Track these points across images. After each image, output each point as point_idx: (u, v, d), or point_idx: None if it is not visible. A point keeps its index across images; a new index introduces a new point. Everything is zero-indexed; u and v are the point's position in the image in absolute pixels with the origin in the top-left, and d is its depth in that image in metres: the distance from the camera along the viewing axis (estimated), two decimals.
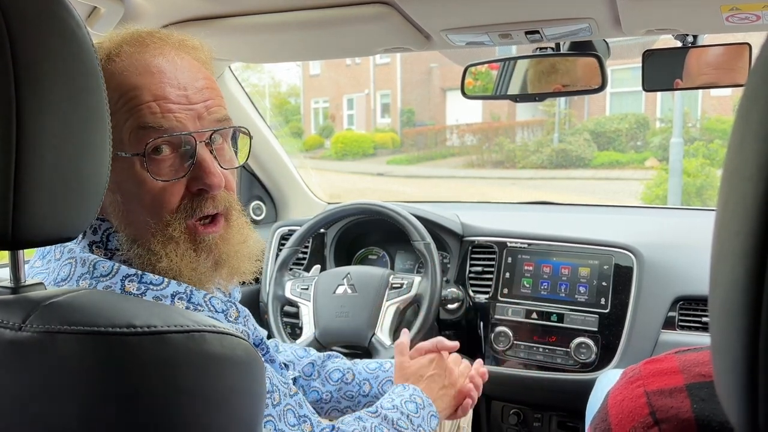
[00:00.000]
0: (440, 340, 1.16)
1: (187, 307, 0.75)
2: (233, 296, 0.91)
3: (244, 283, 0.90)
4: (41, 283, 0.56)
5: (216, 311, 0.78)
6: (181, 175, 0.77)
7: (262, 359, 0.58)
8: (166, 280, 0.76)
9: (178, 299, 0.75)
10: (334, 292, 1.59)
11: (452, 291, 1.63)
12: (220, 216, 0.82)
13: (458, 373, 1.14)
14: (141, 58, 0.77)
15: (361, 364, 1.20)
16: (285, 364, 1.12)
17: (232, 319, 0.79)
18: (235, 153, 0.86)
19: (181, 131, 0.76)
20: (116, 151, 0.73)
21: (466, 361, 1.19)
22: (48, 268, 0.78)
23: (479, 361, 1.22)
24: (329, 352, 1.23)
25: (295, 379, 1.15)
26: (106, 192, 0.71)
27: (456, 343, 1.16)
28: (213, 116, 0.79)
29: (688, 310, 1.49)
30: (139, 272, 0.74)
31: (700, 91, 12.58)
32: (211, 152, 0.79)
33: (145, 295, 0.73)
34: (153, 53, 0.78)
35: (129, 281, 0.74)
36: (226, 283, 0.87)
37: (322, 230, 1.77)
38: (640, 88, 1.37)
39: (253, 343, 0.79)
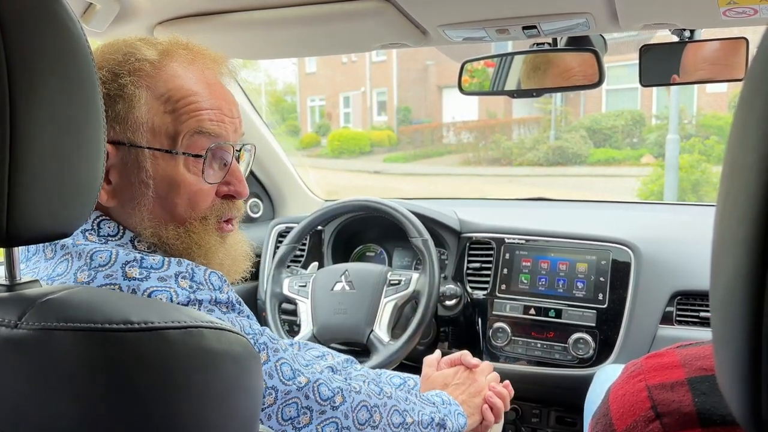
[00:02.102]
0: (465, 353, 1.22)
1: (191, 286, 0.76)
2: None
3: (242, 280, 0.94)
4: (37, 281, 0.56)
5: (214, 289, 0.80)
6: (219, 179, 0.85)
7: (259, 355, 0.58)
8: (165, 262, 0.77)
9: (182, 278, 0.76)
10: (332, 289, 1.59)
11: (450, 287, 1.63)
12: (234, 218, 0.90)
13: (485, 381, 1.17)
14: (194, 67, 0.83)
15: (385, 377, 1.19)
16: None
17: (225, 293, 0.81)
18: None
19: (227, 141, 0.84)
20: (168, 148, 0.79)
21: (495, 373, 1.22)
22: (36, 268, 0.78)
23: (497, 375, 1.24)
24: (348, 357, 1.22)
25: None
26: (133, 184, 0.79)
27: (478, 361, 1.21)
28: (241, 131, 0.88)
29: (686, 305, 1.49)
30: (138, 257, 0.75)
31: (696, 87, 12.62)
32: (238, 162, 0.88)
33: (149, 279, 0.74)
34: (206, 65, 0.85)
35: (130, 267, 0.74)
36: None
37: (319, 227, 1.77)
38: (636, 85, 1.37)
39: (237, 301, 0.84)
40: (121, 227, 0.80)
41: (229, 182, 0.86)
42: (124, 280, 0.73)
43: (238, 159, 0.89)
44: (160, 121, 0.79)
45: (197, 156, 0.80)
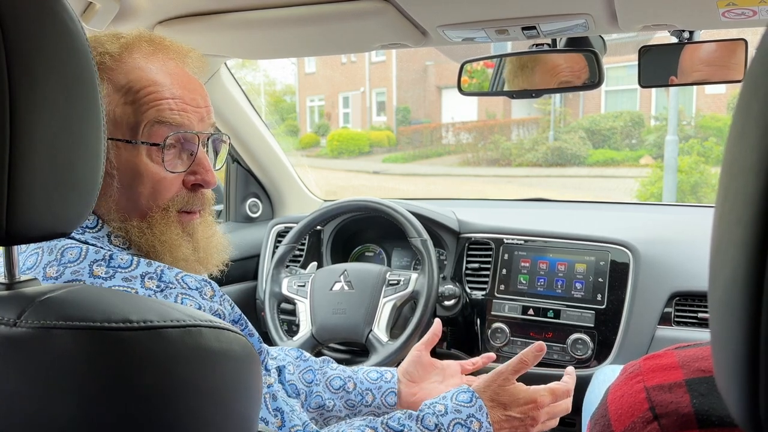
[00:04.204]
0: (570, 371, 1.09)
1: (158, 286, 0.76)
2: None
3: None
4: (36, 279, 0.56)
5: (189, 288, 0.79)
6: (183, 168, 0.84)
7: (257, 353, 0.58)
8: (134, 261, 0.77)
9: (148, 279, 0.76)
10: (331, 289, 1.59)
11: (449, 287, 1.63)
12: (198, 210, 0.88)
13: (541, 426, 1.00)
14: (157, 58, 0.84)
15: (362, 373, 1.16)
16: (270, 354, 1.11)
17: (207, 297, 0.80)
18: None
19: (190, 130, 0.83)
20: (129, 138, 0.80)
21: (566, 405, 1.04)
22: None
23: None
24: (324, 357, 1.20)
25: (279, 370, 1.14)
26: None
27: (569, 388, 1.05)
28: (209, 120, 0.87)
29: (684, 305, 1.49)
30: (107, 255, 0.76)
31: (695, 88, 12.64)
32: (206, 152, 0.86)
33: (114, 278, 0.75)
34: (167, 56, 0.85)
35: (97, 265, 0.75)
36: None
37: (318, 227, 1.77)
38: (635, 86, 1.37)
39: (232, 321, 0.83)
40: (100, 220, 0.81)
41: (195, 171, 0.85)
42: (89, 277, 0.74)
43: (214, 149, 0.89)
44: (121, 111, 0.80)
45: (156, 145, 0.80)
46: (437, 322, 1.23)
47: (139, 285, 0.75)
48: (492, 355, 1.22)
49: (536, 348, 1.04)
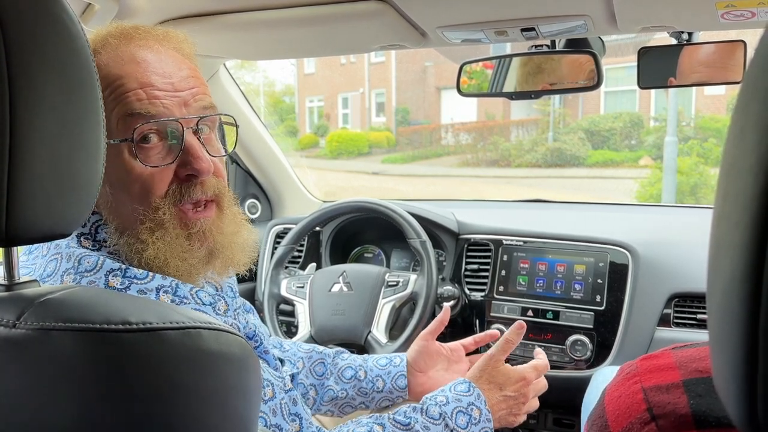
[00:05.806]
0: (540, 352, 1.17)
1: (173, 300, 0.75)
2: (225, 290, 0.90)
3: (240, 280, 0.90)
4: (35, 281, 0.56)
5: (203, 304, 0.78)
6: (169, 161, 0.78)
7: (257, 356, 0.58)
8: (150, 274, 0.76)
9: (163, 293, 0.75)
10: (330, 290, 1.59)
11: (448, 289, 1.63)
12: (212, 203, 0.82)
13: (531, 404, 1.07)
14: (126, 49, 0.78)
15: (371, 360, 1.20)
16: (281, 360, 1.11)
17: (221, 312, 0.79)
18: (223, 142, 0.87)
19: (168, 117, 0.77)
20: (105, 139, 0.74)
21: (543, 382, 1.12)
22: (34, 264, 0.78)
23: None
24: (336, 348, 1.22)
25: (292, 376, 1.14)
26: None
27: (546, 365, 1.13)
28: (199, 104, 0.80)
29: (683, 307, 1.49)
30: (124, 267, 0.75)
31: (695, 89, 12.65)
32: (198, 139, 0.80)
33: (129, 290, 0.74)
34: (138, 44, 0.79)
35: (113, 276, 0.74)
36: (219, 276, 0.86)
37: (317, 228, 1.77)
38: (635, 87, 1.37)
39: (246, 336, 0.80)
40: (114, 232, 0.79)
41: (186, 162, 0.78)
42: (105, 288, 0.73)
43: (200, 135, 0.81)
44: None
45: (126, 140, 0.75)
46: (446, 309, 1.23)
47: (154, 298, 0.74)
48: (495, 332, 1.23)
49: (517, 327, 1.10)
